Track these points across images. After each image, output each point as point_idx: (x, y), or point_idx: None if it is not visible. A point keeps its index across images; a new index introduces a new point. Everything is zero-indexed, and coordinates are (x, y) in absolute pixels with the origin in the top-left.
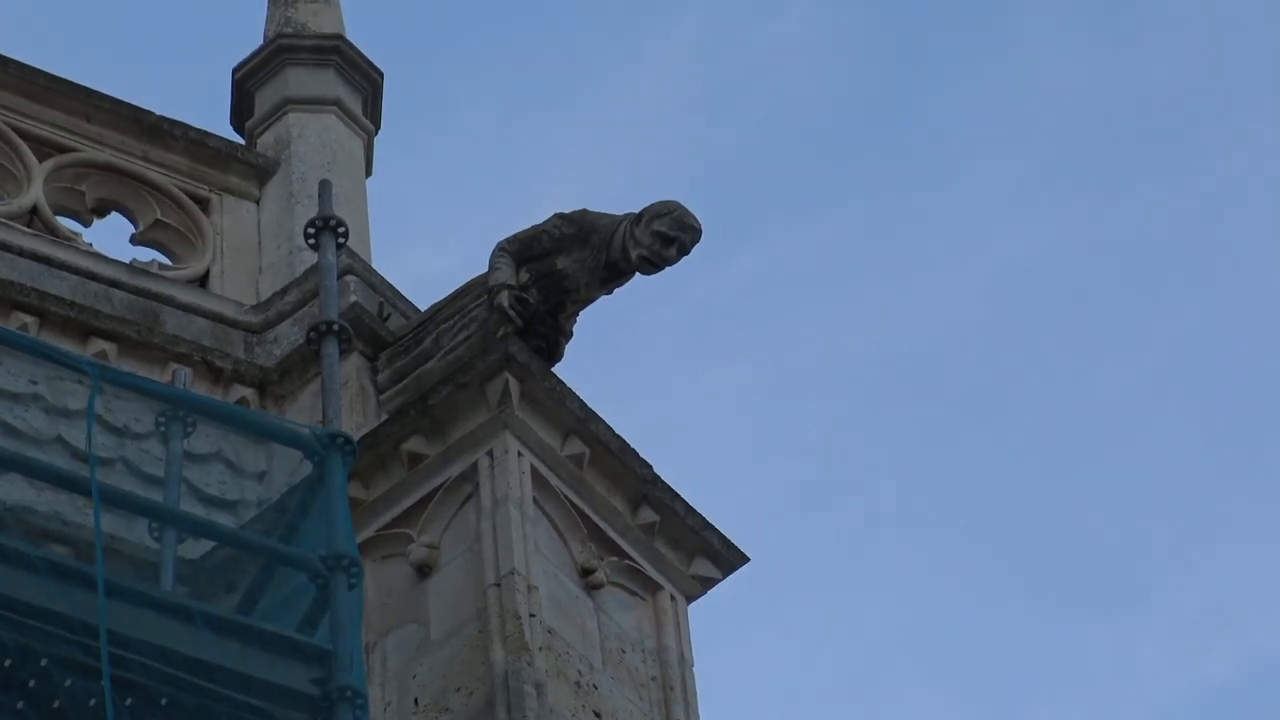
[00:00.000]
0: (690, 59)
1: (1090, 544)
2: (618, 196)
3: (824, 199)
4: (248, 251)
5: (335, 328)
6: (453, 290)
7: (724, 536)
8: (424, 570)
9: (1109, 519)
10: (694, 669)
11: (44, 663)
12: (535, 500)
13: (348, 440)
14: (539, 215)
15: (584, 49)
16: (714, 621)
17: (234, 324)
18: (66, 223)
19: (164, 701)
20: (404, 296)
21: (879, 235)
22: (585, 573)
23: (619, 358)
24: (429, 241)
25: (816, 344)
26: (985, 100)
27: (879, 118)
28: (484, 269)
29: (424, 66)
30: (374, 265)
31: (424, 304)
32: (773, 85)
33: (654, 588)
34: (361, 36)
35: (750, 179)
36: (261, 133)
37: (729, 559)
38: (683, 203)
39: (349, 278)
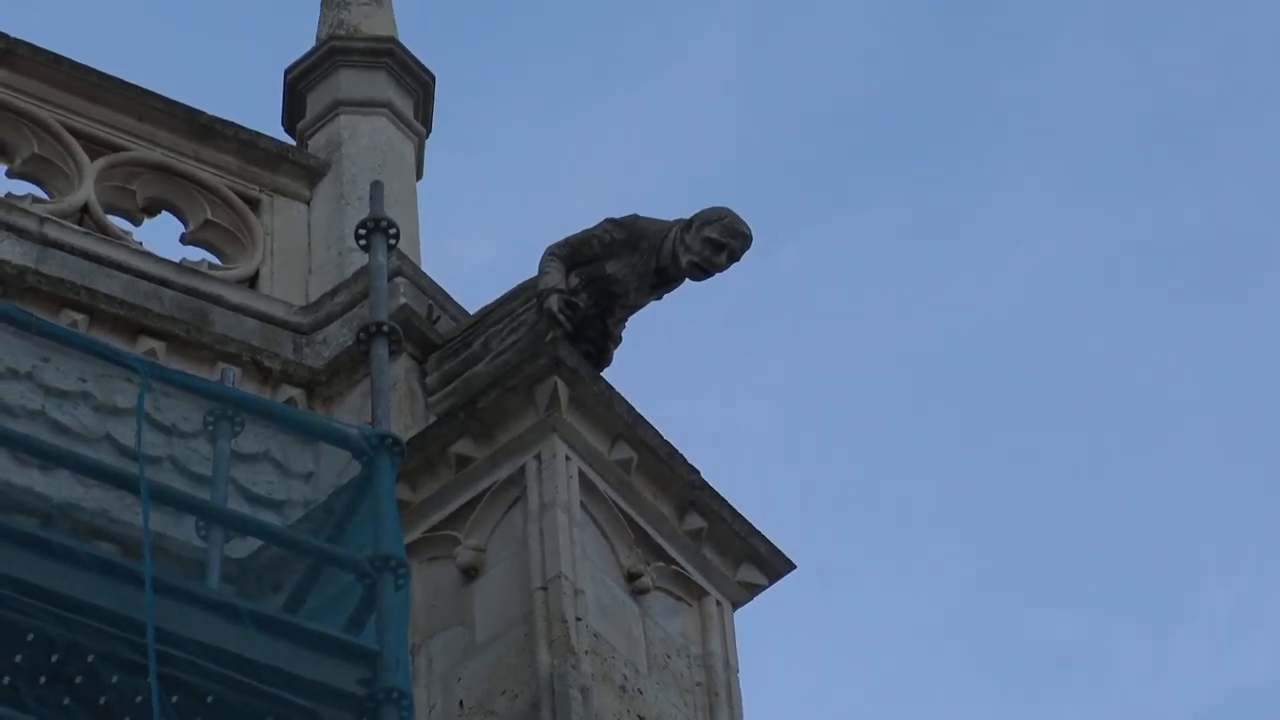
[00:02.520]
0: (730, 54)
1: (1127, 546)
2: (660, 192)
3: (863, 195)
4: (297, 252)
5: (385, 329)
6: (502, 293)
7: (770, 543)
8: (470, 573)
9: (1146, 520)
10: (739, 675)
11: (91, 659)
12: (583, 504)
13: (396, 441)
14: (581, 210)
15: (625, 43)
16: (759, 627)
17: (283, 324)
18: (117, 221)
19: (210, 699)
20: (453, 300)
21: (919, 232)
22: (632, 577)
23: (658, 358)
24: (471, 235)
25: (853, 342)
26: (1025, 98)
27: (918, 114)
28: (527, 263)
29: (468, 63)
30: (423, 268)
31: (470, 303)
32: (813, 80)
33: (700, 593)
34: (412, 39)
35: (790, 174)
36: (313, 134)
37: (775, 565)
38: (733, 209)
39: (399, 280)
